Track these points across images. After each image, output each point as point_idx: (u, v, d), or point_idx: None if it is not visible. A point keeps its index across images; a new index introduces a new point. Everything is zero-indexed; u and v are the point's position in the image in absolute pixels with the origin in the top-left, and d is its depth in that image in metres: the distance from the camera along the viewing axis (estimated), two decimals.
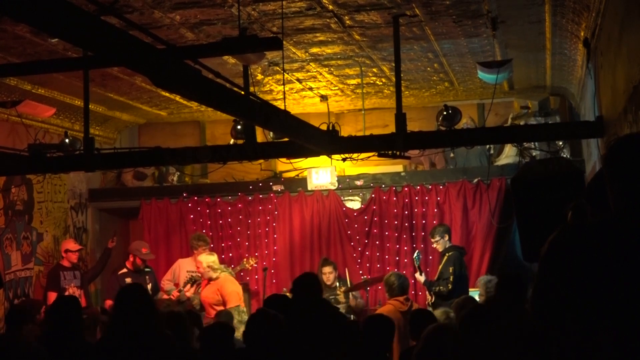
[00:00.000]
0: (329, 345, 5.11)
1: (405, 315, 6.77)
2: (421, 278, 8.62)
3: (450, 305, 6.99)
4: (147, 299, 4.58)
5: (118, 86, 8.74)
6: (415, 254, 8.84)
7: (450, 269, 8.31)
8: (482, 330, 4.39)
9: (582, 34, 6.47)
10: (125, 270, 8.88)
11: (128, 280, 8.73)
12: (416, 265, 8.77)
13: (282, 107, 5.86)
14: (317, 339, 5.07)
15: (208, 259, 8.42)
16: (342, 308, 8.59)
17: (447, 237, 8.74)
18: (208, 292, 8.34)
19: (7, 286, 8.55)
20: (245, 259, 9.46)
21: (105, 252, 9.48)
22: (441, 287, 8.23)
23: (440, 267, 8.57)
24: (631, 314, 2.02)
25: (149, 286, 8.85)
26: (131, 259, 8.89)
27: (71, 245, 9.03)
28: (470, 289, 8.93)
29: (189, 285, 8.84)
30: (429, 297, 8.54)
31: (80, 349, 4.85)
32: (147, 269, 9.07)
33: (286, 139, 7.14)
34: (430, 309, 8.36)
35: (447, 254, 8.54)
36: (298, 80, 8.69)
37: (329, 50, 7.44)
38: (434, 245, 8.86)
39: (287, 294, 8.90)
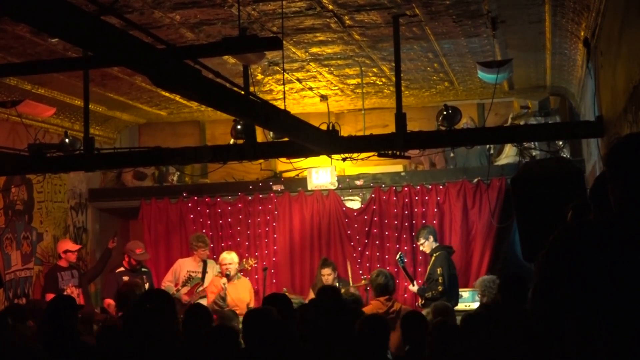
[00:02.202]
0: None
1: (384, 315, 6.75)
2: (414, 288, 8.61)
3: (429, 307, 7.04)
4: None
5: (118, 86, 8.74)
6: (397, 256, 8.82)
7: (439, 270, 8.29)
8: (483, 331, 4.39)
9: (582, 33, 6.47)
10: (122, 268, 8.88)
11: (125, 278, 8.72)
12: (401, 267, 8.77)
13: (282, 107, 5.86)
14: None
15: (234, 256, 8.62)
16: None
17: (432, 239, 8.71)
18: (244, 289, 8.46)
19: (7, 286, 8.55)
20: (244, 259, 9.45)
21: (105, 252, 9.48)
22: (433, 292, 8.22)
23: (429, 268, 8.57)
24: (631, 313, 2.02)
25: (146, 286, 8.85)
26: (127, 258, 8.89)
27: (70, 245, 9.03)
28: (469, 289, 8.94)
29: (186, 287, 8.84)
30: (421, 301, 8.53)
31: (77, 348, 4.85)
32: (143, 269, 9.05)
33: (286, 139, 7.14)
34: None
35: (434, 255, 8.54)
36: (298, 80, 8.69)
37: (329, 50, 7.44)
38: (421, 248, 8.86)
39: (286, 293, 8.96)
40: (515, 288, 5.16)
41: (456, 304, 8.20)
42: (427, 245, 8.69)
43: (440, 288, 8.17)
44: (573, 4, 5.95)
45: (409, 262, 9.57)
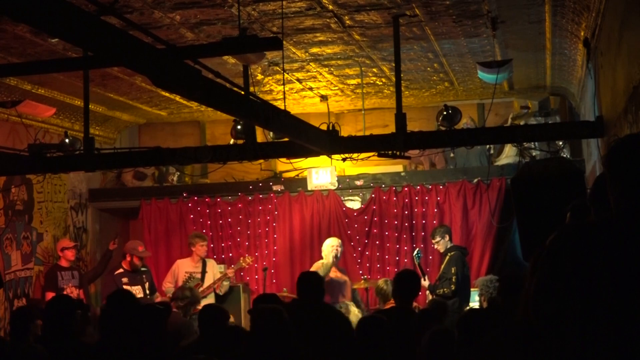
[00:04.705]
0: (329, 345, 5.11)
1: None
2: (425, 283, 8.59)
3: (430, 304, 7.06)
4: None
5: (118, 86, 8.74)
6: (415, 252, 8.83)
7: (453, 270, 8.28)
8: (482, 332, 4.37)
9: (582, 34, 6.47)
10: (121, 270, 8.84)
11: (125, 280, 8.72)
12: (417, 264, 8.77)
13: (282, 107, 5.86)
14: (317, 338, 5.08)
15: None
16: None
17: (447, 238, 8.72)
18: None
19: (7, 286, 8.55)
20: (242, 258, 9.46)
21: (106, 253, 9.47)
22: (445, 289, 8.21)
23: (442, 267, 8.55)
24: (631, 314, 2.02)
25: (146, 285, 8.85)
26: (128, 258, 8.86)
27: (66, 242, 9.03)
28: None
29: None
30: (429, 297, 8.53)
31: (76, 348, 4.86)
32: (143, 269, 9.05)
33: (286, 139, 7.14)
34: None
35: (449, 254, 8.53)
36: (298, 80, 8.69)
37: (329, 50, 7.44)
38: (435, 246, 8.85)
39: (286, 293, 8.97)
40: (517, 288, 5.14)
41: (467, 305, 8.20)
42: (441, 243, 8.69)
43: (453, 287, 8.16)
44: (573, 4, 5.95)
45: (409, 261, 9.57)
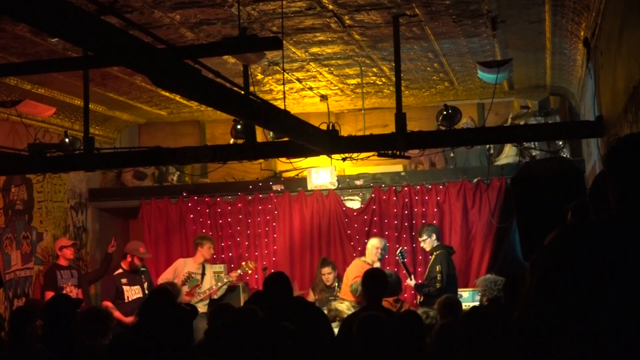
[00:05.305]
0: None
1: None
2: (411, 282, 8.63)
3: (433, 305, 7.01)
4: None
5: (118, 86, 8.74)
6: (398, 251, 8.84)
7: (438, 268, 8.32)
8: (484, 331, 4.38)
9: (582, 33, 6.47)
10: (121, 270, 8.81)
11: (124, 280, 8.70)
12: (401, 262, 8.78)
13: (282, 107, 5.86)
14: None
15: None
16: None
17: (434, 237, 8.73)
18: None
19: (7, 286, 8.55)
20: (244, 263, 9.44)
21: (106, 256, 9.46)
22: (430, 288, 8.23)
23: (429, 265, 8.60)
24: (632, 315, 2.02)
25: (145, 285, 8.85)
26: (129, 259, 8.84)
27: (65, 241, 9.03)
28: (469, 289, 8.94)
29: (185, 287, 8.85)
30: (418, 296, 8.56)
31: (77, 347, 4.86)
32: (142, 269, 9.04)
33: (286, 139, 7.15)
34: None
35: (435, 253, 8.57)
36: (298, 80, 8.69)
37: (329, 50, 7.44)
38: (422, 245, 8.87)
39: None
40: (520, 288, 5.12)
41: None
42: (428, 242, 8.70)
43: (438, 285, 8.19)
44: (573, 4, 5.95)
45: (409, 261, 9.58)
